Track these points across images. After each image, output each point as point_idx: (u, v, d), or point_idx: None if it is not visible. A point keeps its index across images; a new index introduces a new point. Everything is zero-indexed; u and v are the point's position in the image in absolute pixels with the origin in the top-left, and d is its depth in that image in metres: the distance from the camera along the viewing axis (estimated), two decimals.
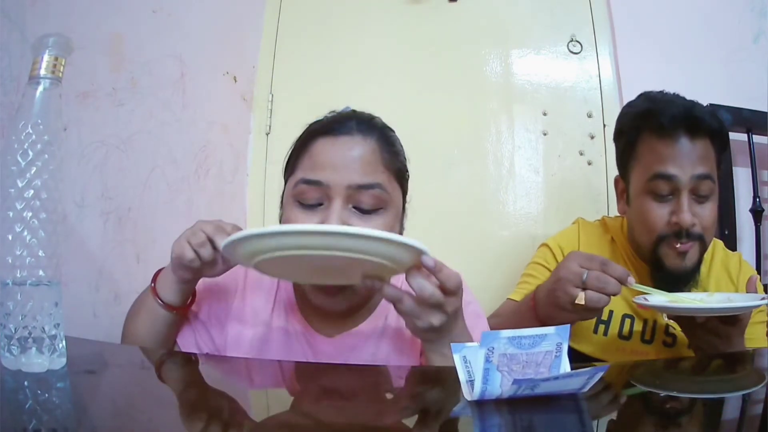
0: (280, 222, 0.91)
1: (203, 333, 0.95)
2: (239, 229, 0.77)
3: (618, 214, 1.26)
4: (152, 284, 0.88)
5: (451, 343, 0.61)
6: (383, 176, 0.85)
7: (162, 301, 0.86)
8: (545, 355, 0.58)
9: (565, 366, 0.60)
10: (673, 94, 1.13)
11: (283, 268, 0.75)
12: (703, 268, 1.15)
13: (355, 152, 0.84)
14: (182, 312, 0.90)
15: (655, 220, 1.07)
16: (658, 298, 0.96)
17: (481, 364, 0.57)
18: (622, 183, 1.18)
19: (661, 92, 1.15)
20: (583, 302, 0.86)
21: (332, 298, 0.85)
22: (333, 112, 0.93)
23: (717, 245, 1.22)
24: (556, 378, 0.58)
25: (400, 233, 0.90)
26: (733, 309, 0.91)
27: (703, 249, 1.09)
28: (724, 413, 0.64)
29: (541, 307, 0.97)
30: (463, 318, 0.79)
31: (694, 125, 1.06)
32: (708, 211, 1.07)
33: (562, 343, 0.59)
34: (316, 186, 0.83)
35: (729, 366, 0.89)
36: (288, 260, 0.70)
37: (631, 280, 0.87)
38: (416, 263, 0.71)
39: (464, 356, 0.59)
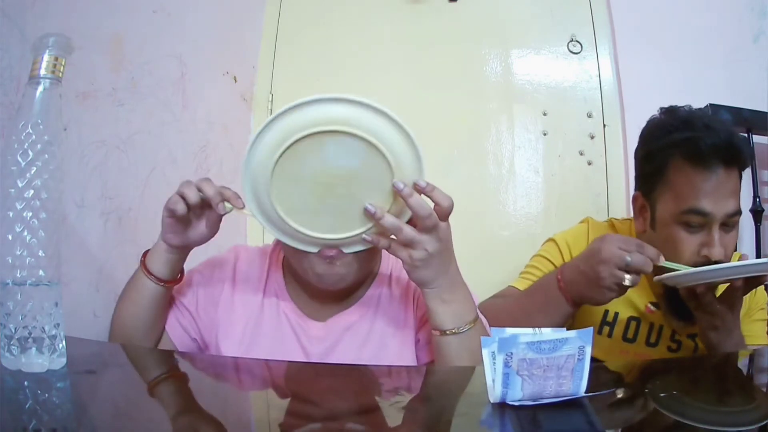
0: None
1: (190, 320, 0.96)
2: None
3: (625, 217, 1.26)
4: (142, 258, 0.91)
5: (482, 337, 0.59)
6: None
7: (152, 274, 0.88)
8: (567, 359, 0.57)
9: (587, 370, 0.58)
10: (704, 114, 1.10)
11: (293, 194, 0.80)
12: None
13: None
14: (172, 285, 0.91)
15: (685, 251, 1.05)
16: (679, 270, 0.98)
17: (500, 369, 0.56)
18: (643, 201, 1.15)
19: (689, 111, 1.12)
20: (629, 284, 0.93)
21: (330, 266, 0.85)
22: None
23: None
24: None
25: None
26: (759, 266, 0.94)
27: None
28: None
29: (574, 286, 1.00)
30: (455, 262, 0.84)
31: (733, 157, 1.05)
32: (732, 239, 1.07)
33: (585, 346, 0.58)
34: None
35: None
36: (298, 179, 0.78)
37: (663, 258, 0.94)
38: (413, 186, 0.77)
39: (493, 351, 0.57)
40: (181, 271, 0.92)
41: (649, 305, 1.15)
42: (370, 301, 0.94)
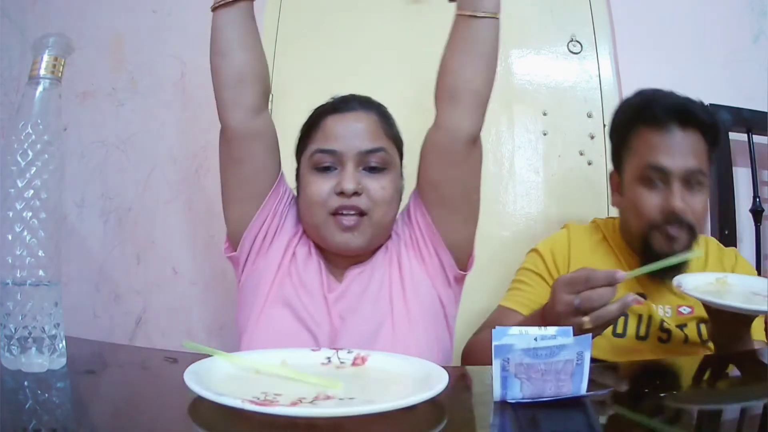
0: (299, 190, 1.00)
1: (279, 217, 1.01)
2: None
3: (610, 216, 1.27)
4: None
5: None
6: (385, 142, 0.99)
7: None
8: (565, 364, 0.57)
9: (587, 374, 0.59)
10: (668, 90, 1.16)
11: None
12: (698, 267, 1.16)
13: (361, 124, 0.98)
14: None
15: (647, 208, 1.10)
16: (698, 284, 0.95)
17: (498, 372, 0.57)
18: (617, 177, 1.21)
19: (655, 89, 1.18)
20: (591, 326, 0.82)
21: (350, 234, 0.94)
22: (333, 97, 1.04)
23: (711, 243, 1.23)
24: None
25: (401, 190, 1.03)
26: None
27: (693, 238, 1.11)
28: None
29: None
30: None
31: (687, 117, 1.10)
32: (699, 202, 1.10)
33: (584, 351, 0.58)
34: (331, 154, 0.96)
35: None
36: None
37: (620, 275, 0.82)
38: None
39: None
40: None
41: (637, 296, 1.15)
42: (385, 259, 1.01)
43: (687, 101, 1.13)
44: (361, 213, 0.94)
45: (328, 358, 0.73)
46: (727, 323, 0.95)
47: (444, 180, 0.97)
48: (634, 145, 1.15)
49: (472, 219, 1.03)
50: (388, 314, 0.95)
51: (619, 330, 1.15)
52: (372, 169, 0.96)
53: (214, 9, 0.95)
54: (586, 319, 0.82)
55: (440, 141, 0.96)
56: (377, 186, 0.95)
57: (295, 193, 1.05)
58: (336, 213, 0.94)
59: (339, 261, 1.00)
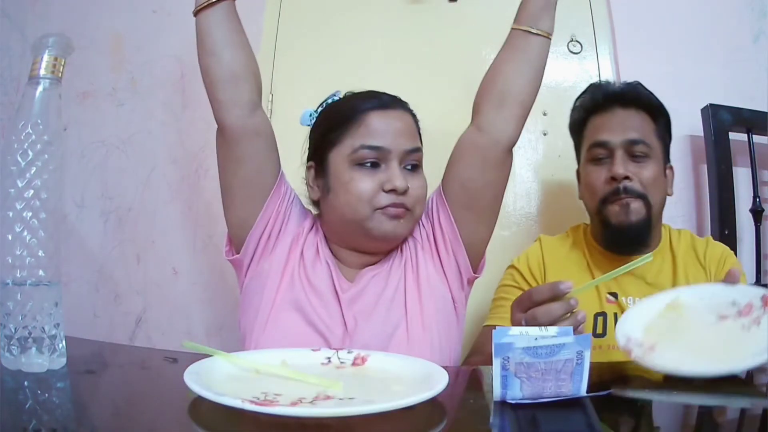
0: (332, 186, 0.97)
1: (283, 218, 1.00)
2: None
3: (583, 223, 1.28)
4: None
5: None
6: (419, 143, 1.02)
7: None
8: (565, 363, 0.57)
9: (587, 373, 0.59)
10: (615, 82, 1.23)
11: None
12: (668, 252, 1.17)
13: (403, 123, 1.00)
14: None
15: (595, 182, 1.15)
16: (646, 322, 0.81)
17: (498, 371, 0.57)
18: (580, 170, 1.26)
19: (597, 82, 1.26)
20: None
21: (397, 221, 0.94)
22: (350, 92, 1.05)
23: (684, 234, 1.23)
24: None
25: None
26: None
27: (649, 207, 1.12)
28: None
29: None
30: None
31: (626, 97, 1.17)
32: (646, 171, 1.13)
33: (584, 351, 0.58)
34: (377, 150, 0.95)
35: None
36: None
37: (564, 286, 0.77)
38: None
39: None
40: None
41: (608, 296, 1.16)
42: (399, 260, 1.01)
43: (626, 84, 1.20)
44: (407, 209, 0.95)
45: (328, 358, 0.73)
46: None
47: (477, 182, 0.99)
48: (585, 135, 1.21)
49: (491, 223, 1.03)
50: (403, 318, 0.95)
51: (599, 330, 1.15)
52: (410, 168, 0.98)
53: (196, 13, 0.95)
54: None
55: (480, 143, 0.99)
56: (417, 185, 0.97)
57: (296, 193, 1.04)
58: (383, 209, 0.94)
59: (352, 261, 1.00)
